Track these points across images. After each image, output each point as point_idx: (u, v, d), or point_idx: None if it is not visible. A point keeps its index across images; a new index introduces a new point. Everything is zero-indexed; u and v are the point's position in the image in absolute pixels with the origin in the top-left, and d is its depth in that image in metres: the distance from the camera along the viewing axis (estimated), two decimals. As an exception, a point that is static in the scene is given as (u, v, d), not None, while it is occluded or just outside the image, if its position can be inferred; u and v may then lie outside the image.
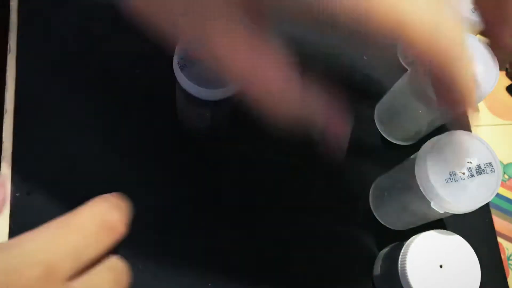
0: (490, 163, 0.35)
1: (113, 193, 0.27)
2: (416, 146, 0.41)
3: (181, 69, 0.34)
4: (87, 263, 0.23)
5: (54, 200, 0.41)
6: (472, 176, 0.34)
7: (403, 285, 0.36)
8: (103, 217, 0.24)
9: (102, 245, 0.23)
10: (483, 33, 0.34)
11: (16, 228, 0.40)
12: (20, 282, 0.20)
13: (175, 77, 0.35)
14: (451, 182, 0.34)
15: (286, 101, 0.24)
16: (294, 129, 0.24)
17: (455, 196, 0.34)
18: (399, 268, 0.37)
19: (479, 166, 0.34)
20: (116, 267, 0.25)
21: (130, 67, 0.47)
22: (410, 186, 0.37)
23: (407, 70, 0.46)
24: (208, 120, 0.41)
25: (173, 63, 0.34)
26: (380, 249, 0.44)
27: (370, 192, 0.47)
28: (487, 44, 0.39)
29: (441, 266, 0.36)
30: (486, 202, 0.34)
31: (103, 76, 0.47)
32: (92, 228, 0.23)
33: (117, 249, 0.43)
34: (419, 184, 0.35)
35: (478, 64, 0.38)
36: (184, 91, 0.35)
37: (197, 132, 0.45)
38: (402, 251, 0.37)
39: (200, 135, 0.45)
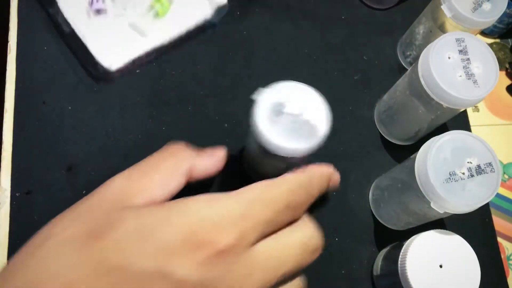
0: (490, 163, 0.35)
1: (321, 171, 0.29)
2: (416, 146, 0.41)
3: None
4: (271, 233, 0.23)
5: (54, 200, 0.41)
6: (472, 176, 0.34)
7: (403, 284, 0.36)
8: (292, 197, 0.25)
9: (286, 221, 0.24)
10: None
11: (16, 227, 0.40)
12: (210, 239, 0.20)
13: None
14: (451, 182, 0.34)
15: None
16: None
17: (455, 196, 0.34)
18: (399, 267, 0.37)
19: (479, 166, 0.34)
20: (305, 229, 0.25)
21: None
22: (410, 186, 0.37)
23: (407, 70, 0.46)
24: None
25: (257, 120, 0.33)
26: (380, 249, 0.44)
27: (370, 192, 0.47)
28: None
29: (441, 266, 0.36)
30: (486, 202, 0.34)
31: (102, 75, 0.47)
32: (282, 206, 0.24)
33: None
34: (419, 184, 0.35)
35: (478, 64, 0.38)
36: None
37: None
38: (402, 251, 0.37)
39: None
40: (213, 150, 0.30)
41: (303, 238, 0.24)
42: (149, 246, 0.20)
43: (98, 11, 0.45)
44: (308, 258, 0.24)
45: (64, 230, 0.21)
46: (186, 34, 0.48)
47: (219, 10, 0.46)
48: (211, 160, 0.29)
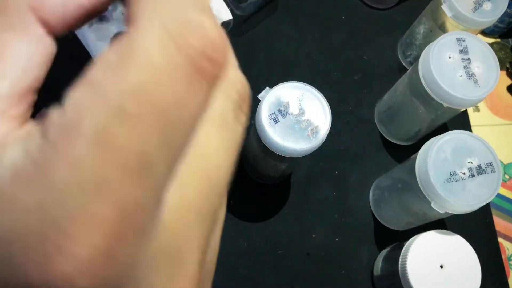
0: (490, 163, 0.35)
1: None
2: (416, 146, 0.41)
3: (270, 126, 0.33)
4: None
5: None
6: (473, 176, 0.34)
7: (404, 285, 0.36)
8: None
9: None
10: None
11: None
12: None
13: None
14: (451, 182, 0.34)
15: None
16: None
17: (456, 196, 0.33)
18: (399, 268, 0.37)
19: (479, 166, 0.34)
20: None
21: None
22: (410, 186, 0.37)
23: (407, 70, 0.45)
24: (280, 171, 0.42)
25: (261, 119, 0.34)
26: (380, 249, 0.44)
27: (370, 192, 0.47)
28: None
29: (441, 266, 0.36)
30: (486, 202, 0.34)
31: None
32: None
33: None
34: (419, 184, 0.35)
35: (478, 64, 0.38)
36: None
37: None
38: (402, 251, 0.37)
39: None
40: None
41: None
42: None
43: (101, 18, 0.45)
44: None
45: None
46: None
47: (225, 25, 0.46)
48: None
